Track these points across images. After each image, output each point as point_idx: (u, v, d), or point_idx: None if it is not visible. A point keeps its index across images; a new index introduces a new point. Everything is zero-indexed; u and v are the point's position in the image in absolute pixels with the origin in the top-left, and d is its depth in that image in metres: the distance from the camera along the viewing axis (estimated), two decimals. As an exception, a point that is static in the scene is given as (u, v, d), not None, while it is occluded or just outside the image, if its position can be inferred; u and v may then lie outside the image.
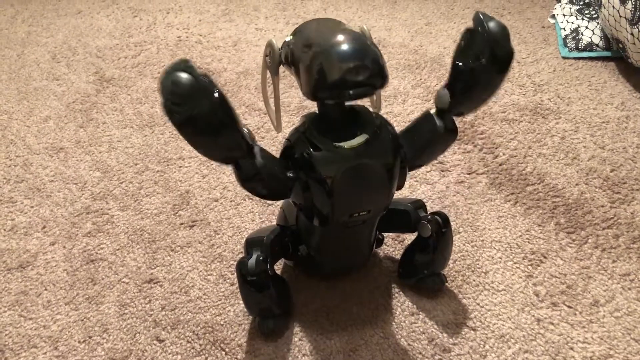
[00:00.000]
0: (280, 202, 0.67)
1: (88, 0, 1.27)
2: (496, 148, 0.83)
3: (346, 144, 0.49)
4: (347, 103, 0.52)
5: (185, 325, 0.61)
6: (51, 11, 1.24)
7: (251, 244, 0.59)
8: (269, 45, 0.51)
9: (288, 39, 0.49)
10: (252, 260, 0.56)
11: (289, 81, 0.97)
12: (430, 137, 0.53)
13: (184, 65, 0.42)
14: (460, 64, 0.48)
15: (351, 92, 0.46)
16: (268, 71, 0.52)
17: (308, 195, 0.52)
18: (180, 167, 0.81)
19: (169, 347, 0.59)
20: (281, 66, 0.52)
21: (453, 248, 0.63)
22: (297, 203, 0.55)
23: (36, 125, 0.90)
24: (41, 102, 0.95)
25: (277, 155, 0.53)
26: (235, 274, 0.58)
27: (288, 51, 0.49)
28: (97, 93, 0.97)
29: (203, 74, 0.43)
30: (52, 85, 0.99)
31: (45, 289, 0.65)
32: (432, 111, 0.53)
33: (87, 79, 1.00)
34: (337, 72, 0.44)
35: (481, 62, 0.47)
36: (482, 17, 0.47)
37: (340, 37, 0.46)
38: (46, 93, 0.97)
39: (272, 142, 0.85)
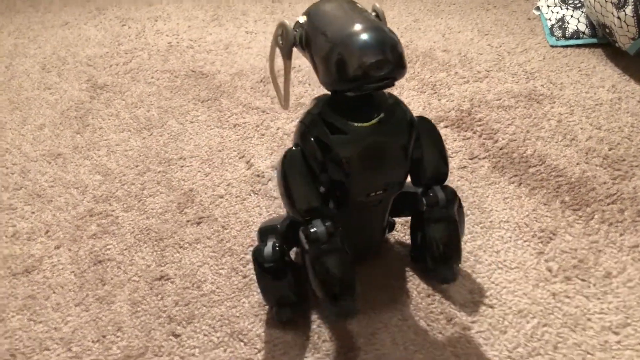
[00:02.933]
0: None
1: (74, 12, 1.27)
2: (495, 133, 0.83)
3: (361, 124, 0.49)
4: None
5: (201, 319, 0.60)
6: (37, 24, 1.22)
7: (265, 232, 0.58)
8: (282, 26, 0.48)
9: (301, 20, 0.48)
10: (269, 248, 0.56)
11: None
12: None
13: None
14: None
15: (372, 85, 0.45)
16: (278, 49, 0.51)
17: (325, 176, 0.51)
18: (182, 166, 0.80)
19: (185, 341, 0.58)
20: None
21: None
22: None
23: (31, 134, 0.89)
24: (34, 111, 0.94)
25: (292, 138, 0.53)
26: (252, 262, 0.57)
27: (302, 33, 0.48)
28: (92, 100, 0.96)
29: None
30: (45, 94, 0.98)
31: (54, 292, 0.64)
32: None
33: (80, 87, 0.99)
34: (359, 67, 0.43)
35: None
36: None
37: (359, 26, 0.44)
38: (39, 102, 0.96)
39: (272, 138, 0.85)
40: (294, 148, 0.52)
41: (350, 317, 0.55)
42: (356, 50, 0.43)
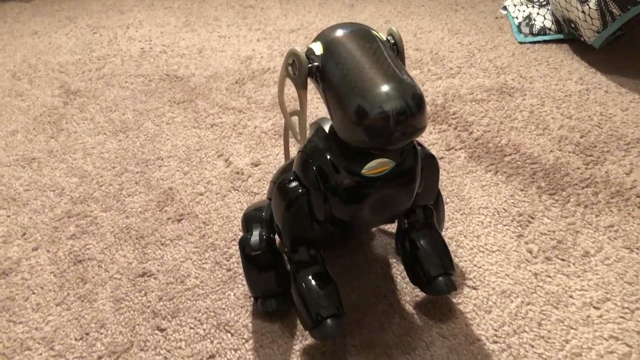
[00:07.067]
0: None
1: (43, 22, 1.25)
2: (470, 125, 0.85)
3: (373, 172, 0.47)
4: None
5: (186, 313, 0.59)
6: (5, 34, 1.21)
7: (250, 220, 0.58)
8: (294, 54, 0.45)
9: (316, 50, 0.45)
10: (255, 237, 0.56)
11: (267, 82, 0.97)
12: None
13: None
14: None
15: (391, 147, 0.44)
16: (290, 80, 0.47)
17: (327, 207, 0.49)
18: (160, 166, 0.80)
19: (171, 335, 0.57)
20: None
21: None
22: None
23: (3, 140, 0.87)
24: (6, 117, 0.92)
25: (287, 165, 0.54)
26: (239, 252, 0.57)
27: (318, 65, 0.45)
28: (65, 105, 0.94)
29: None
30: (16, 101, 0.97)
31: (33, 293, 0.63)
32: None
33: (52, 93, 0.98)
34: (383, 131, 0.41)
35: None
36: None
37: (386, 87, 0.41)
38: (10, 109, 0.95)
39: (250, 136, 0.85)
40: (296, 185, 0.50)
41: (333, 338, 0.53)
42: (381, 110, 0.41)
